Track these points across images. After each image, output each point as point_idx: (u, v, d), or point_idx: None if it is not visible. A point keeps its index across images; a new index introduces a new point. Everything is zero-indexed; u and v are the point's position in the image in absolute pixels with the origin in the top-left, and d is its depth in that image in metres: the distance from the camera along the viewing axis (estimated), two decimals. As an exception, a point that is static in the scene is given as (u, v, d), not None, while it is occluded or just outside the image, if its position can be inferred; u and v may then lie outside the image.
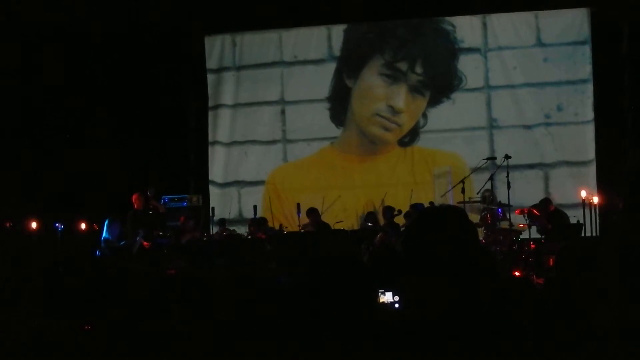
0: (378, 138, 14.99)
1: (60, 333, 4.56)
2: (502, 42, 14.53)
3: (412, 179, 14.67)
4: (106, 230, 11.87)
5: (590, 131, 14.16)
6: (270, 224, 13.48)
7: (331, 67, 15.31)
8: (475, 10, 14.56)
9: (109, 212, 12.34)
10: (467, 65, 14.60)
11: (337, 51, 15.26)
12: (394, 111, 14.77)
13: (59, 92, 14.32)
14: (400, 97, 14.71)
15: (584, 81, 14.18)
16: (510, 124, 14.54)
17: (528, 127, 14.37)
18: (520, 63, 14.41)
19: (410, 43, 14.78)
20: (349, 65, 15.16)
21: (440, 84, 14.68)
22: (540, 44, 14.37)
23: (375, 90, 14.91)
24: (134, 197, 12.45)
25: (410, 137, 14.84)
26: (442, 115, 14.72)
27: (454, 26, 14.72)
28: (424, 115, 14.78)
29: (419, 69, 14.70)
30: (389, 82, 14.82)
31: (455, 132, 14.69)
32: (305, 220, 13.17)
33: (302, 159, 15.48)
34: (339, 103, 15.18)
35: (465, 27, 14.69)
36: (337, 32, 15.26)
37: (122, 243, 11.89)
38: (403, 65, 14.76)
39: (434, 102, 14.77)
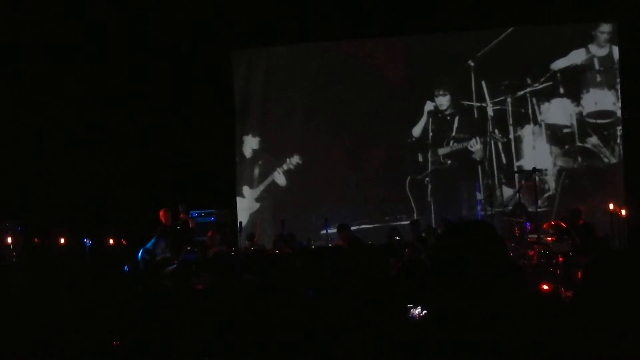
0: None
1: (90, 347, 4.60)
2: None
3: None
4: (152, 244, 12.00)
5: (618, 145, 14.10)
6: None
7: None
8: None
9: (138, 227, 12.47)
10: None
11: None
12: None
13: (90, 105, 14.50)
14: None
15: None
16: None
17: (558, 140, 14.38)
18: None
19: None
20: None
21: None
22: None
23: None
24: (160, 213, 12.54)
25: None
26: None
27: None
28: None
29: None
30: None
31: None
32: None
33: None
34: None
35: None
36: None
37: (160, 258, 11.99)
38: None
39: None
